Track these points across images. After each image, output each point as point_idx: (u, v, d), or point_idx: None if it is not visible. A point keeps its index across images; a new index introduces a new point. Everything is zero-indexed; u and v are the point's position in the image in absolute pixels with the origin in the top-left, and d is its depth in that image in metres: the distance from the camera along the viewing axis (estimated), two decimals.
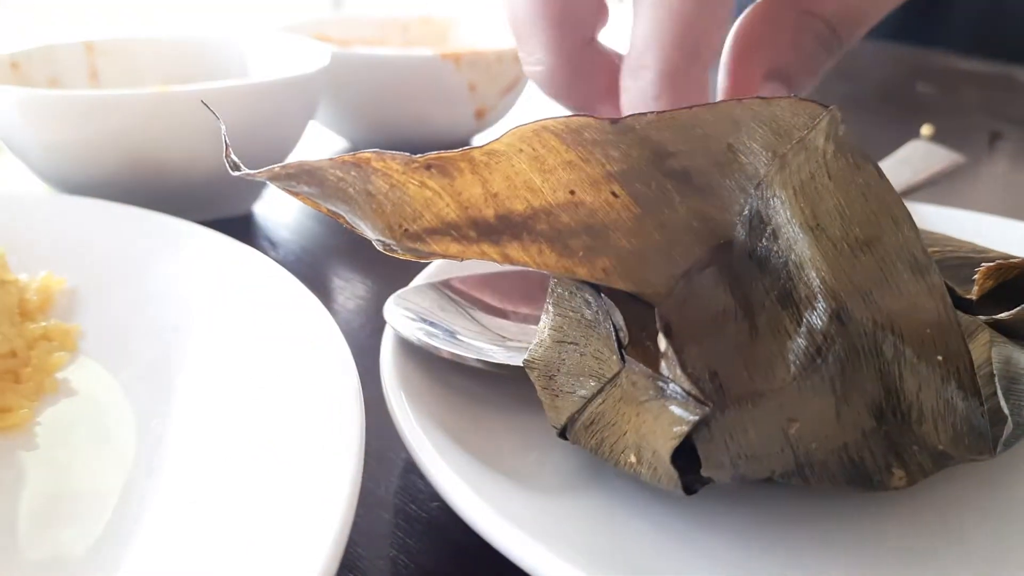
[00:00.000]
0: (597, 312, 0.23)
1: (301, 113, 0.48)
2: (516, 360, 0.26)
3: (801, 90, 0.29)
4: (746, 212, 0.23)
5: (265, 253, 0.34)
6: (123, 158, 0.42)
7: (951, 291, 0.24)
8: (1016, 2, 0.90)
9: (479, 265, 0.32)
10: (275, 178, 0.22)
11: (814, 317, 0.21)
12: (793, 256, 0.22)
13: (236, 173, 0.22)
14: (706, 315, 0.22)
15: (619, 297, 0.23)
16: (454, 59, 0.55)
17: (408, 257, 0.23)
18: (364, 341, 0.32)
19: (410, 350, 0.27)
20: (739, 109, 0.23)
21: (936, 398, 0.22)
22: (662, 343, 0.21)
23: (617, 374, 0.22)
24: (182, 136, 0.42)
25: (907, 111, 0.76)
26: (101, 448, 0.26)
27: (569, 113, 0.24)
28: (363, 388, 0.25)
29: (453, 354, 0.27)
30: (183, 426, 0.26)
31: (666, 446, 0.21)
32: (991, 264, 0.24)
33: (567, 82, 0.29)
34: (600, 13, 0.29)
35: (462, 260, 0.23)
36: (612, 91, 0.28)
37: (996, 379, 0.22)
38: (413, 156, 0.23)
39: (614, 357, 0.23)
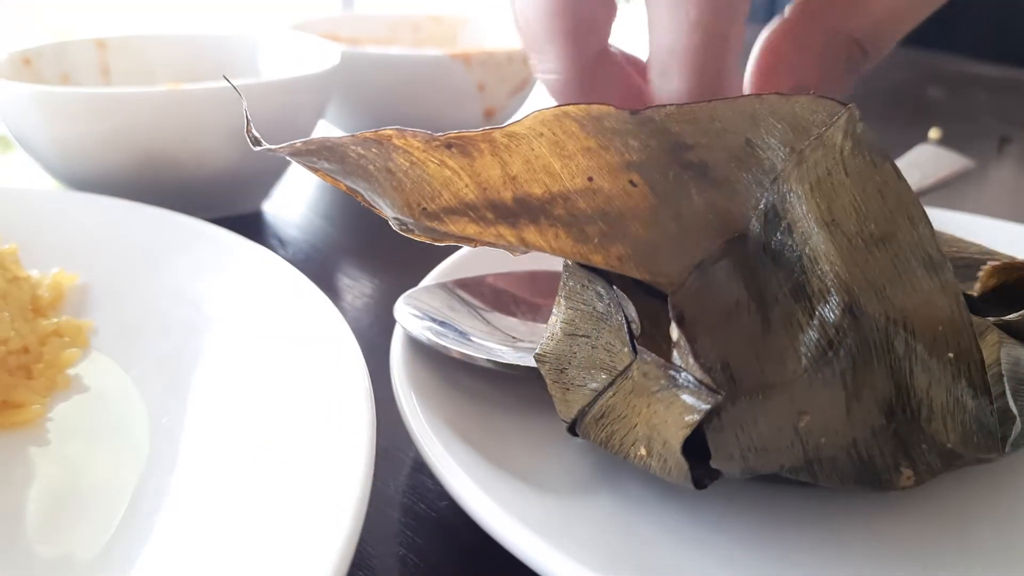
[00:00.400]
0: (609, 305, 0.23)
1: (311, 112, 0.48)
2: (526, 360, 0.26)
3: None
4: (762, 206, 0.23)
5: (274, 251, 0.34)
6: (134, 155, 0.42)
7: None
8: None
9: (488, 265, 0.32)
10: (296, 154, 0.22)
11: (827, 311, 0.21)
12: (807, 250, 0.22)
13: (257, 148, 0.22)
14: (719, 307, 0.22)
15: (631, 291, 0.23)
16: (464, 59, 0.55)
17: (424, 238, 0.23)
18: (373, 340, 0.32)
19: (420, 350, 0.28)
20: (758, 104, 0.23)
21: (946, 395, 0.22)
22: (675, 332, 0.21)
23: (628, 366, 0.22)
24: (193, 134, 0.43)
25: (916, 115, 0.76)
26: (112, 444, 0.26)
27: None
28: (372, 387, 0.25)
29: (463, 354, 0.27)
30: (194, 423, 0.26)
31: (677, 436, 0.21)
32: (996, 263, 0.24)
33: (582, 93, 0.29)
34: (611, 18, 0.29)
35: (476, 246, 0.23)
36: (625, 100, 0.28)
37: (1005, 379, 0.22)
38: (434, 134, 0.23)
39: (625, 349, 0.23)
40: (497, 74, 0.56)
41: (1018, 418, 0.22)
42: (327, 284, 0.41)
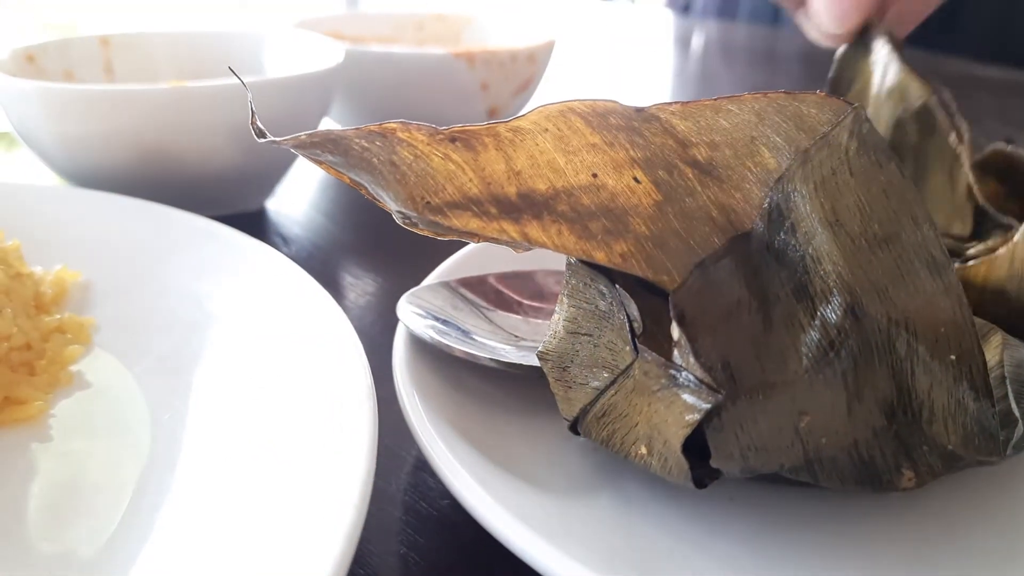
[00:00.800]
0: (611, 303, 0.23)
1: (315, 110, 0.48)
2: (529, 360, 0.26)
3: None
4: (766, 205, 0.23)
5: (277, 249, 0.34)
6: (137, 152, 0.42)
7: (947, 235, 0.24)
8: None
9: (491, 264, 0.32)
10: (301, 146, 0.22)
11: (828, 311, 0.21)
12: (810, 250, 0.22)
13: (262, 140, 0.22)
14: (721, 305, 0.22)
15: (634, 290, 0.23)
16: (467, 58, 0.55)
17: (427, 232, 0.23)
18: (375, 338, 0.32)
19: (422, 348, 0.28)
20: (764, 103, 0.23)
21: (948, 397, 0.22)
22: (675, 332, 0.21)
23: (630, 365, 0.22)
24: (196, 131, 0.43)
25: None
26: (115, 441, 0.26)
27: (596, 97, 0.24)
28: (374, 385, 0.25)
29: (466, 353, 0.27)
30: (197, 420, 0.26)
31: (678, 435, 0.21)
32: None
33: None
34: None
35: (479, 241, 0.23)
36: None
37: (1008, 382, 0.22)
38: (438, 128, 0.23)
39: (627, 348, 0.23)
40: (500, 73, 0.56)
41: (1020, 421, 0.22)
42: (330, 282, 0.41)
